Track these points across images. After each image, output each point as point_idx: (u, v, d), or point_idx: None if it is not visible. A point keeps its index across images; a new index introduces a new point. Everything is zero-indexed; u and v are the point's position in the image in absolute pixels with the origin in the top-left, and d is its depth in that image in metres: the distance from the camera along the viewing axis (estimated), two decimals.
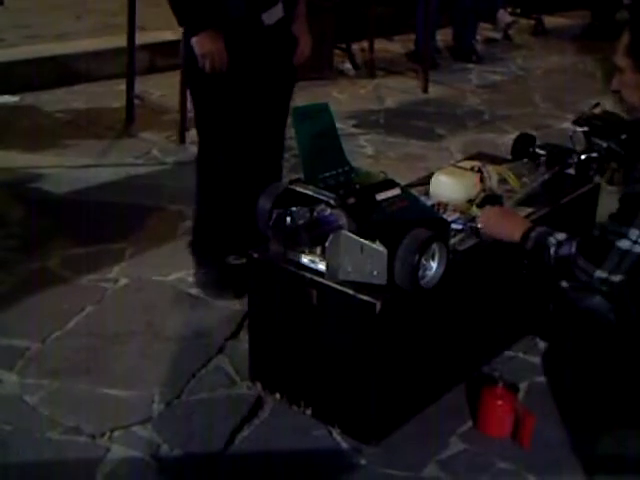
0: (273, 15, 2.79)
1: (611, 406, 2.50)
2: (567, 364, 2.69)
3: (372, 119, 5.22)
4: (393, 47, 7.00)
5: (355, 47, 6.47)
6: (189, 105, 4.13)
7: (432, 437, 2.35)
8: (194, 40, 2.75)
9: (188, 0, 2.73)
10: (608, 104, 5.43)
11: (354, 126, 5.04)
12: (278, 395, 2.46)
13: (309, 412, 2.40)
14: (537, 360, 2.72)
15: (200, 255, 3.10)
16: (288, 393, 2.44)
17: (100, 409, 2.42)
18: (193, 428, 2.35)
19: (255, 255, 2.41)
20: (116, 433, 2.31)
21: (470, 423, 2.40)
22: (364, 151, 4.63)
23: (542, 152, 3.03)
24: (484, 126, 5.17)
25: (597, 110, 3.08)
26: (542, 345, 2.80)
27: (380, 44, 6.62)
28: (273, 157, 3.07)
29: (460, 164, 2.77)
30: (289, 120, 2.81)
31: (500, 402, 2.33)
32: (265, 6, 2.76)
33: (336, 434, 2.34)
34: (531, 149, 3.05)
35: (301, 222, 2.26)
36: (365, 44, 6.36)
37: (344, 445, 2.31)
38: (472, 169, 2.66)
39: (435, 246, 2.19)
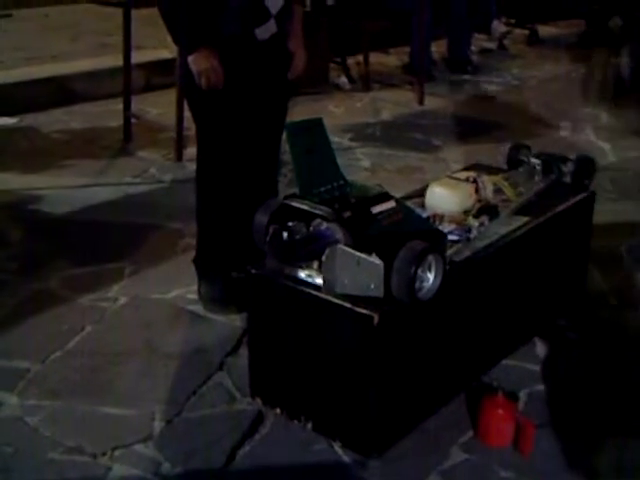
0: (266, 31, 2.81)
1: (610, 413, 2.51)
2: (569, 370, 2.70)
3: (368, 132, 5.24)
4: (388, 60, 7.04)
5: (350, 61, 6.50)
6: (186, 123, 4.17)
7: (433, 448, 2.34)
8: (190, 58, 2.78)
9: (182, 19, 2.75)
10: (602, 112, 5.47)
11: (351, 139, 5.07)
12: (279, 410, 2.46)
13: (310, 426, 2.40)
14: (536, 368, 2.72)
15: (203, 270, 3.11)
16: (288, 408, 2.45)
17: (101, 428, 2.42)
18: (194, 445, 2.35)
19: (253, 271, 2.42)
20: (117, 452, 2.31)
21: (471, 433, 2.40)
22: (361, 164, 4.65)
23: (537, 161, 3.05)
24: (480, 136, 5.19)
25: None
26: (541, 353, 2.81)
27: (375, 57, 6.66)
28: (269, 172, 3.09)
29: (455, 175, 2.78)
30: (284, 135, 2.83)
31: (500, 411, 2.33)
32: (258, 22, 2.78)
33: (337, 448, 2.34)
34: (526, 158, 3.07)
35: (297, 237, 2.28)
36: (360, 58, 6.39)
37: (346, 459, 2.31)
38: (467, 180, 2.66)
39: (431, 258, 2.20)
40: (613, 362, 2.79)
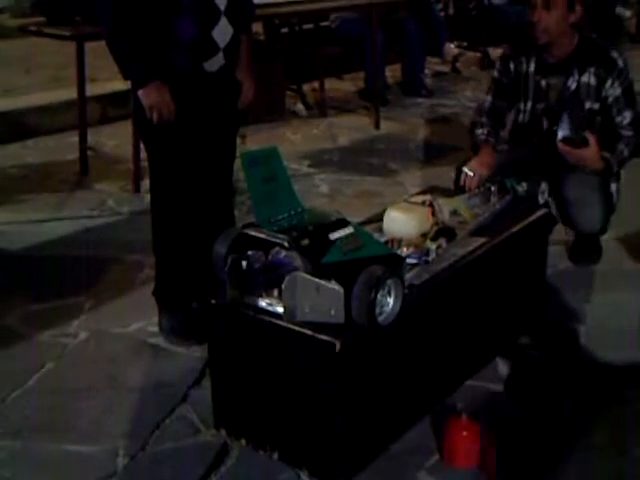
0: (214, 63, 2.83)
1: (573, 430, 2.53)
2: (531, 389, 2.72)
3: (326, 158, 5.27)
4: (344, 86, 7.10)
5: (306, 88, 6.54)
6: (143, 154, 4.16)
7: (400, 473, 2.34)
8: (140, 92, 2.79)
9: (131, 54, 2.75)
10: None
11: (309, 166, 5.08)
12: (244, 441, 2.45)
13: (276, 456, 2.38)
14: (499, 388, 2.74)
15: (163, 302, 3.09)
16: (254, 438, 2.43)
17: (64, 467, 2.38)
18: None
19: (213, 301, 2.41)
20: None
21: (436, 456, 2.40)
22: (319, 190, 4.66)
23: (492, 182, 3.08)
24: (437, 159, 5.22)
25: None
26: (503, 372, 2.82)
27: (331, 83, 6.71)
28: (223, 200, 3.09)
29: (411, 199, 2.80)
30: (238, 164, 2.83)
31: (465, 433, 2.34)
32: (206, 56, 2.80)
33: (304, 476, 2.32)
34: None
35: (257, 266, 2.28)
36: (316, 84, 6.43)
37: None
38: (423, 203, 2.68)
39: (390, 282, 2.21)
40: (575, 379, 2.82)
